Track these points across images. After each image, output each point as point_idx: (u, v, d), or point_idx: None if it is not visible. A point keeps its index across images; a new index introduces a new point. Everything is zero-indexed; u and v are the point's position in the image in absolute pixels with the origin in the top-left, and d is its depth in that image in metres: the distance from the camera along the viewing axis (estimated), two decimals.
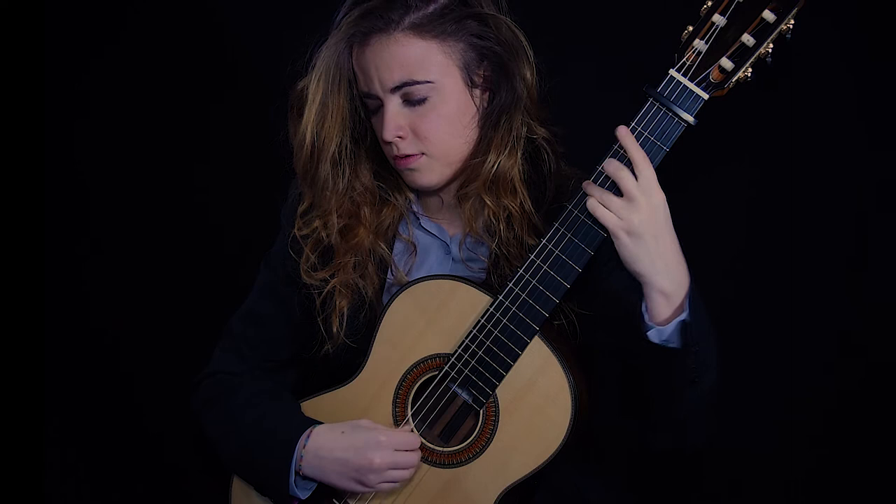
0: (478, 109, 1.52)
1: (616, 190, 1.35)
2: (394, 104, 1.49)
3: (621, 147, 1.36)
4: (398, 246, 1.63)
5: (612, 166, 1.35)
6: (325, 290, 1.57)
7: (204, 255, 2.46)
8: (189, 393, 1.69)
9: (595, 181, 1.37)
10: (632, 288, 1.39)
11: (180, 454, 2.44)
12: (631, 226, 1.33)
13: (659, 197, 1.34)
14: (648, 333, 1.37)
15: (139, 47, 2.43)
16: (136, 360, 2.56)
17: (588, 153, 1.42)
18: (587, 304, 1.51)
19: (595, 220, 1.37)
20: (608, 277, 1.48)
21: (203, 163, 2.42)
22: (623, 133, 1.36)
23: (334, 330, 1.56)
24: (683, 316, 1.35)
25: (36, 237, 2.50)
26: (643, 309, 1.37)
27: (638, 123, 1.36)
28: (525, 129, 1.53)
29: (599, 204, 1.35)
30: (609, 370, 1.50)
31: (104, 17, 2.41)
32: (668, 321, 1.36)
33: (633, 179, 1.34)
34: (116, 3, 2.41)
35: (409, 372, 1.50)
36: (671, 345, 1.36)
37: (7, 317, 2.44)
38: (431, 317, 1.49)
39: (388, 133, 1.50)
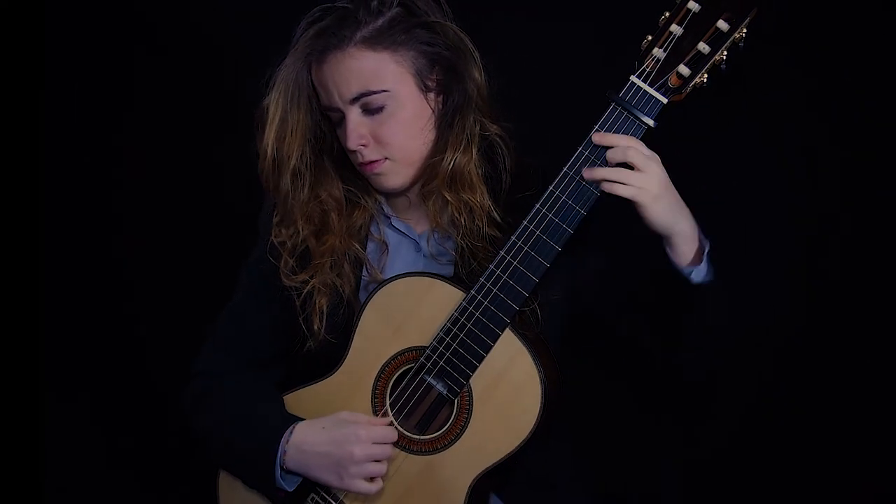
0: (433, 112, 1.61)
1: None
2: (354, 115, 1.57)
3: (582, 153, 1.45)
4: (370, 245, 1.70)
5: (621, 140, 1.42)
6: (305, 290, 1.64)
7: (194, 256, 2.52)
8: (178, 391, 1.74)
9: (574, 165, 1.46)
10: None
11: (173, 448, 2.49)
12: (653, 192, 1.42)
13: (655, 154, 1.44)
14: (691, 277, 1.46)
15: (134, 51, 2.50)
16: (129, 357, 2.61)
17: (560, 146, 1.50)
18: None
19: (562, 217, 1.46)
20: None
21: (201, 162, 2.49)
22: (598, 137, 1.44)
23: (315, 327, 1.63)
24: (707, 247, 1.47)
25: (33, 236, 2.53)
26: (671, 260, 1.47)
27: (601, 126, 1.44)
28: (478, 127, 1.62)
29: (616, 182, 1.42)
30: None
31: (102, 20, 2.48)
32: (697, 259, 1.46)
33: (641, 151, 1.42)
34: (113, 6, 2.48)
35: (386, 364, 1.57)
36: (708, 279, 1.47)
37: (6, 315, 2.47)
38: (408, 312, 1.56)
39: (352, 142, 1.58)
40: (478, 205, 1.60)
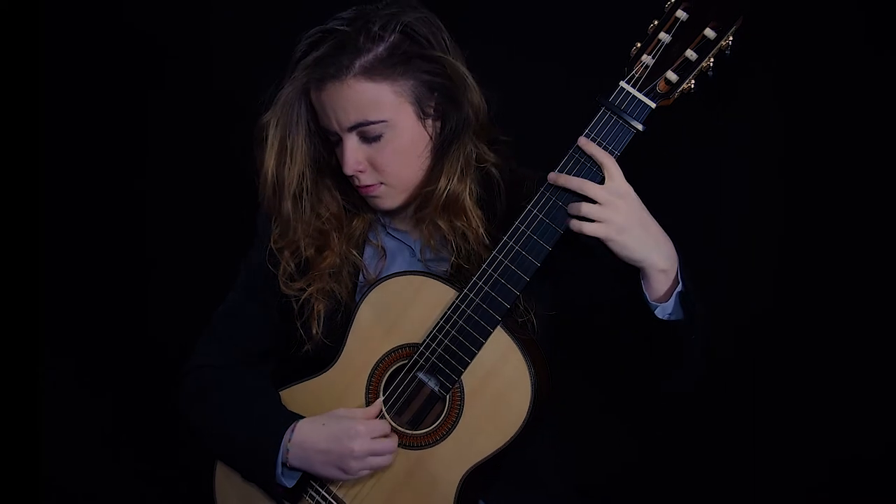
0: (431, 138, 1.61)
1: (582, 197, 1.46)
2: (352, 142, 1.58)
3: (575, 152, 1.48)
4: (368, 251, 1.72)
5: (573, 182, 1.46)
6: (303, 297, 1.67)
7: (191, 252, 2.55)
8: (174, 385, 1.76)
9: (564, 168, 1.48)
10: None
11: (170, 439, 2.52)
12: (617, 226, 1.43)
13: (628, 188, 1.46)
14: (655, 312, 1.48)
15: (131, 52, 2.53)
16: (125, 353, 2.64)
17: (550, 152, 1.53)
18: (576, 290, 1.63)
19: (552, 219, 1.49)
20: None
21: (198, 161, 2.54)
22: (584, 142, 1.47)
23: (313, 332, 1.65)
24: (679, 287, 1.48)
25: (33, 234, 2.54)
26: (643, 290, 1.48)
27: (591, 130, 1.48)
28: (474, 155, 1.62)
29: (582, 222, 1.45)
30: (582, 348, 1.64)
31: (100, 22, 2.52)
32: (667, 296, 1.48)
33: (598, 186, 1.45)
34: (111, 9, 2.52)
35: (380, 361, 1.60)
36: (674, 317, 1.49)
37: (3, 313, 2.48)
38: (402, 310, 1.59)
39: (349, 168, 1.60)
40: (472, 232, 1.61)
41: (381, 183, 1.62)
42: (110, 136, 2.59)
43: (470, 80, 1.60)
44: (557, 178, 1.48)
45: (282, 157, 1.62)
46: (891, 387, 2.17)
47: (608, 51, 1.55)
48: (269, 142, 1.61)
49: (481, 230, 1.61)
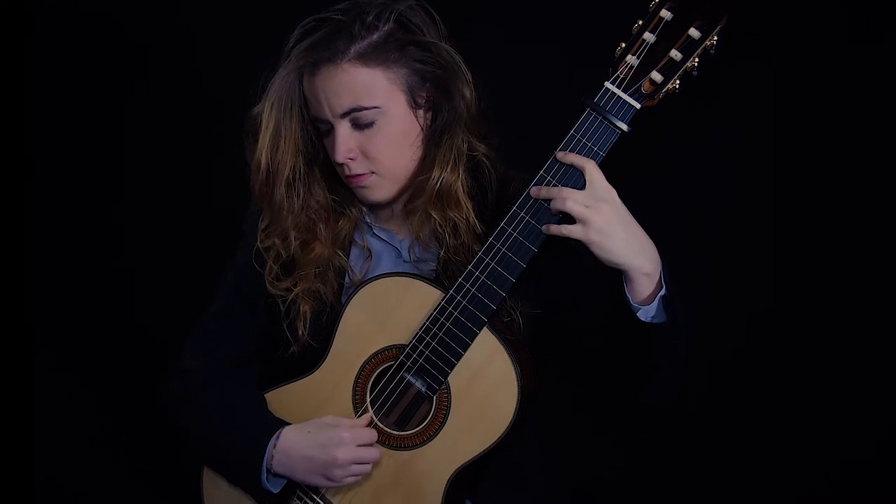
0: (422, 128, 1.62)
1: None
2: (343, 128, 1.59)
3: (556, 162, 1.48)
4: (354, 252, 1.73)
5: (552, 192, 1.46)
6: (290, 298, 1.67)
7: (183, 253, 2.56)
8: (158, 387, 1.76)
9: (550, 170, 1.48)
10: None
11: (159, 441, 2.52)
12: (597, 228, 1.43)
13: (610, 191, 1.46)
14: (638, 314, 1.48)
15: (121, 54, 2.54)
16: (124, 355, 2.64)
17: (546, 151, 1.53)
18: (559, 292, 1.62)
19: (537, 220, 1.49)
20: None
21: (191, 161, 2.54)
22: (561, 155, 1.48)
23: (299, 333, 1.66)
24: (663, 291, 1.48)
25: (27, 235, 2.54)
26: (626, 292, 1.48)
27: (576, 131, 1.48)
28: (466, 146, 1.63)
29: (561, 225, 1.46)
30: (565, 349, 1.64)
31: (90, 28, 2.52)
32: (650, 299, 1.48)
33: (578, 192, 1.45)
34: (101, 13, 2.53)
35: (367, 362, 1.60)
36: (657, 320, 1.49)
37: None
38: (388, 311, 1.59)
39: (340, 156, 1.60)
40: (463, 222, 1.61)
41: (372, 172, 1.62)
42: (104, 140, 2.60)
43: (463, 69, 1.60)
44: (539, 191, 1.49)
45: (276, 141, 1.62)
46: (885, 386, 2.16)
47: (593, 52, 1.55)
48: (265, 124, 1.61)
49: (472, 219, 1.61)
